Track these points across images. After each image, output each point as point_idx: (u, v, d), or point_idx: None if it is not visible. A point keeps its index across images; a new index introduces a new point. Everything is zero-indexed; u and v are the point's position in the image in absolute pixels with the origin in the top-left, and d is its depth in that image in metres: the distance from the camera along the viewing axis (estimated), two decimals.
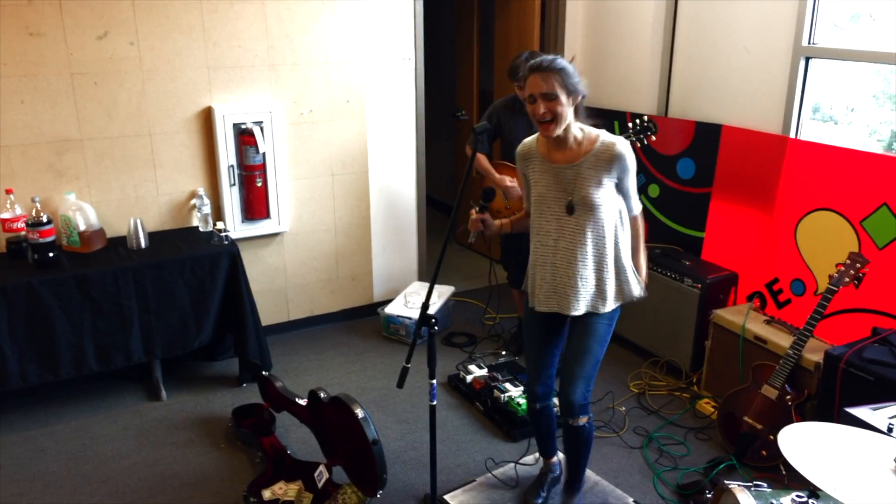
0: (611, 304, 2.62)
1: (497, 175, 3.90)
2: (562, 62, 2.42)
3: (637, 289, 2.67)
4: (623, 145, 2.49)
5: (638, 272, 2.68)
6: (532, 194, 2.63)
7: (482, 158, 3.95)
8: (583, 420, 2.67)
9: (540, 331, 2.76)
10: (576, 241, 2.54)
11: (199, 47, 3.83)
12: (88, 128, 3.69)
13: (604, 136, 2.51)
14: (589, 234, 2.53)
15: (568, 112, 2.43)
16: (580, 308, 2.59)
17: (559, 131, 2.44)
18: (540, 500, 2.96)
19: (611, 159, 2.47)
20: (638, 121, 3.72)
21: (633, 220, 2.66)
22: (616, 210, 2.55)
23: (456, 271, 5.54)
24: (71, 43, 3.55)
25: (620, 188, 2.54)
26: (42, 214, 3.44)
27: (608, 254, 2.57)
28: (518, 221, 2.79)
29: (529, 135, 2.71)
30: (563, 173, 2.52)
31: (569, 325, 2.75)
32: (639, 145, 3.71)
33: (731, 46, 3.94)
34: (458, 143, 6.23)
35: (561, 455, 3.10)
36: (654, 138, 3.71)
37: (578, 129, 2.51)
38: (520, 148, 2.66)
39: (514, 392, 3.64)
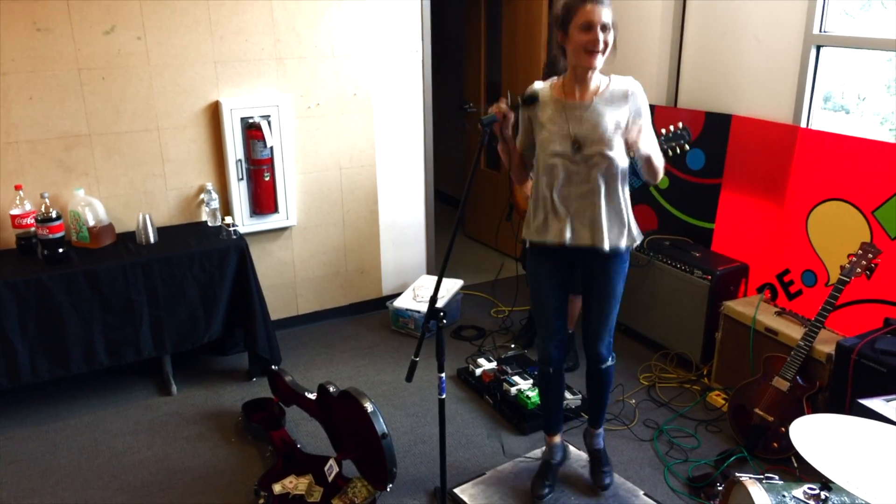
0: (625, 240, 2.64)
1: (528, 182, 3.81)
2: None
3: (639, 233, 2.70)
4: (635, 84, 2.55)
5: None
6: (541, 135, 2.59)
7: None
8: (610, 362, 2.86)
9: (552, 289, 2.76)
10: (592, 180, 2.55)
11: (206, 41, 3.82)
12: (96, 123, 3.70)
13: (616, 77, 2.57)
14: (604, 174, 2.55)
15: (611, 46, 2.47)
16: (606, 240, 2.58)
17: (601, 64, 2.47)
18: (546, 491, 2.95)
19: (624, 98, 2.54)
20: (672, 127, 3.53)
21: (648, 158, 2.56)
22: (624, 155, 2.56)
23: (464, 265, 5.53)
24: (78, 38, 3.55)
25: (636, 126, 2.51)
26: (51, 210, 3.44)
27: (620, 191, 2.59)
28: (516, 158, 2.73)
29: None
30: (580, 111, 2.53)
31: (580, 277, 2.77)
32: (669, 154, 3.55)
33: (740, 35, 3.91)
34: (466, 135, 6.21)
35: (559, 438, 3.11)
36: (687, 147, 3.52)
37: (597, 73, 2.54)
38: (533, 85, 2.63)
39: (524, 385, 3.63)
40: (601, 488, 2.97)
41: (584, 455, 3.20)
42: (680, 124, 3.51)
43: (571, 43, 2.45)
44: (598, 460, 3.05)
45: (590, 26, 2.40)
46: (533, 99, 2.57)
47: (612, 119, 2.53)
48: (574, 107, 2.54)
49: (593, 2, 2.40)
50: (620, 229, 2.63)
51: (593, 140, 2.52)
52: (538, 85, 2.65)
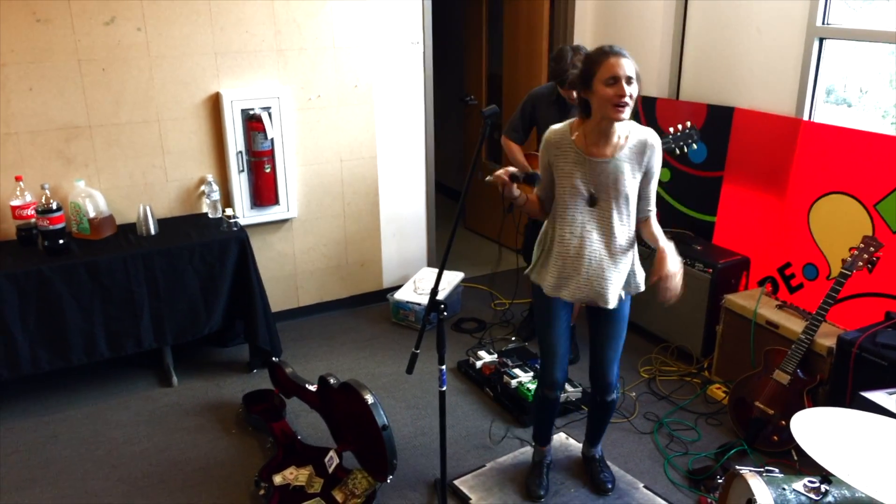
0: (631, 289, 2.69)
1: (529, 169, 3.81)
2: None
3: (643, 283, 2.71)
4: (654, 137, 2.53)
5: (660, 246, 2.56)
6: (562, 185, 2.56)
7: (515, 149, 3.87)
8: (615, 394, 2.89)
9: (559, 318, 2.75)
10: (609, 233, 2.55)
11: (207, 33, 3.81)
12: (97, 114, 3.69)
13: (634, 127, 2.53)
14: (621, 226, 2.56)
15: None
16: (613, 300, 2.60)
17: (628, 116, 2.44)
18: (542, 492, 2.96)
19: (643, 150, 2.52)
20: (680, 126, 3.53)
21: (647, 220, 2.63)
22: (636, 208, 2.60)
23: (465, 257, 5.53)
24: (78, 29, 3.54)
25: (645, 182, 2.56)
26: (52, 201, 3.44)
27: (631, 247, 2.62)
28: (530, 203, 2.73)
29: None
30: (602, 166, 2.50)
31: (590, 309, 2.76)
32: (677, 153, 3.55)
33: (742, 28, 3.89)
34: (467, 128, 6.20)
35: (560, 435, 3.15)
36: (695, 147, 3.54)
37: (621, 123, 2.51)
38: (550, 134, 2.58)
39: (524, 378, 3.63)
40: (602, 492, 2.96)
41: (574, 451, 3.20)
42: (688, 123, 3.49)
43: (597, 97, 2.41)
44: (595, 464, 3.05)
45: (615, 80, 2.37)
46: (534, 179, 2.55)
47: (631, 173, 2.52)
48: (596, 163, 2.51)
49: (616, 55, 2.38)
50: (627, 282, 2.65)
51: (610, 195, 2.52)
52: (556, 127, 2.60)
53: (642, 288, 2.70)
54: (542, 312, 2.78)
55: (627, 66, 2.37)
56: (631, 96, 2.38)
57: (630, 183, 2.52)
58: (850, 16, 3.47)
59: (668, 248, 2.46)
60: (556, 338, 2.77)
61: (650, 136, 2.53)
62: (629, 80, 2.37)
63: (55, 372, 3.53)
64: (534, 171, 2.60)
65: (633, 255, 2.65)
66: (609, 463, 3.10)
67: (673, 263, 2.42)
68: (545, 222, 2.72)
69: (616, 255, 2.57)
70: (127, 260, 3.45)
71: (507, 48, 5.43)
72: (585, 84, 2.44)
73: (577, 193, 2.54)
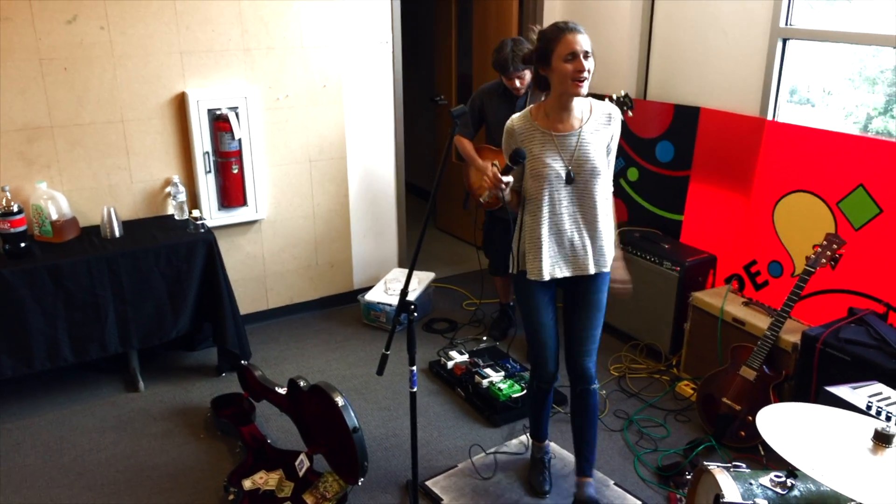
0: (608, 263, 2.71)
1: (480, 161, 3.86)
2: None
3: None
4: (616, 110, 2.63)
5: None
6: (534, 167, 2.56)
7: (466, 143, 3.91)
8: (596, 384, 2.81)
9: (546, 311, 2.76)
10: (583, 206, 2.60)
11: (172, 31, 3.76)
12: (59, 115, 3.62)
13: (594, 103, 2.62)
14: (593, 198, 2.59)
15: None
16: (592, 266, 2.65)
17: (586, 90, 2.48)
18: (548, 487, 2.97)
19: (607, 122, 2.60)
20: (615, 95, 3.61)
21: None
22: (608, 177, 2.65)
23: (436, 257, 5.53)
24: (39, 28, 3.47)
25: (609, 146, 2.63)
26: (13, 204, 3.36)
27: (607, 215, 2.66)
28: (513, 198, 2.71)
29: (510, 117, 2.68)
30: (570, 139, 2.55)
31: (568, 295, 2.79)
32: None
33: (708, 29, 3.94)
34: (438, 128, 6.20)
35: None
36: (630, 114, 3.62)
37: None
38: (511, 123, 2.60)
39: (496, 377, 3.64)
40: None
41: (561, 452, 3.21)
42: (623, 91, 3.56)
43: (556, 73, 2.45)
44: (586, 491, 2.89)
45: (574, 56, 2.41)
46: (520, 156, 2.53)
47: (600, 146, 2.58)
48: (563, 137, 2.55)
49: (573, 31, 2.43)
50: (605, 253, 2.68)
51: (585, 169, 2.55)
52: (516, 116, 2.61)
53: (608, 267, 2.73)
54: (529, 308, 2.77)
55: (584, 42, 2.43)
56: (589, 70, 2.44)
57: (598, 153, 2.57)
58: (813, 17, 3.53)
59: (615, 267, 2.73)
60: (545, 330, 2.77)
61: (612, 108, 2.63)
62: (586, 55, 2.44)
63: (17, 378, 3.46)
64: (518, 148, 2.54)
65: (611, 227, 2.68)
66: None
67: (622, 277, 2.77)
68: (519, 220, 2.71)
69: (592, 225, 2.62)
70: (91, 263, 3.38)
71: (476, 48, 5.44)
72: (544, 61, 2.48)
73: (550, 171, 2.54)
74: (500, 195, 2.50)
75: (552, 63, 2.45)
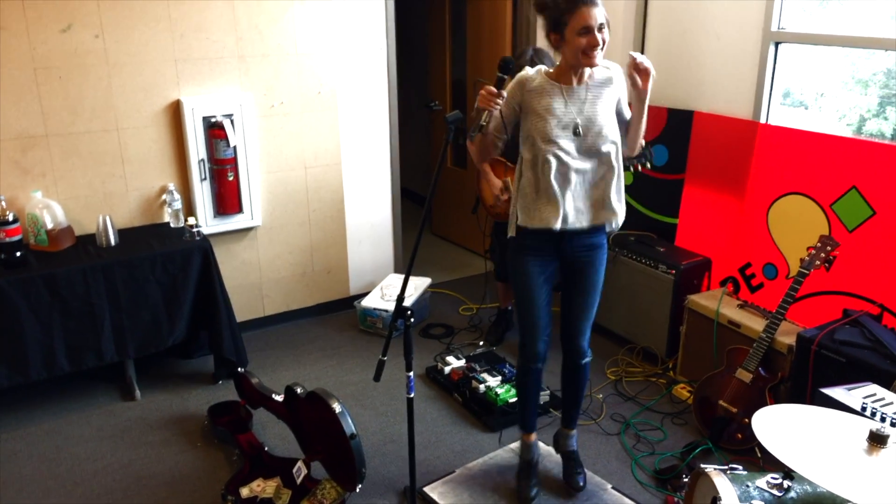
0: (616, 222, 2.71)
1: (494, 178, 3.76)
2: None
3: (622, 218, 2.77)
4: (615, 65, 2.67)
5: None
6: (542, 118, 2.56)
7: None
8: (588, 357, 2.90)
9: (540, 291, 2.76)
10: (591, 161, 2.60)
11: (166, 39, 3.76)
12: (54, 123, 3.62)
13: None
14: (601, 154, 2.60)
15: None
16: (596, 216, 2.66)
17: (601, 60, 2.52)
18: (534, 493, 2.97)
19: (610, 80, 2.63)
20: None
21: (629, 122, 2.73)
22: (617, 135, 2.65)
23: (433, 263, 5.53)
24: (34, 37, 3.47)
25: (619, 106, 2.67)
26: (8, 213, 3.36)
27: (616, 171, 2.65)
28: (493, 132, 2.68)
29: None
30: (580, 92, 2.57)
31: (564, 274, 2.80)
32: (631, 170, 3.58)
33: (701, 33, 3.96)
34: (433, 133, 6.21)
35: (535, 436, 3.13)
36: (649, 166, 3.59)
37: None
38: (523, 75, 2.62)
39: (493, 382, 3.64)
40: (575, 490, 2.98)
41: (554, 452, 3.21)
42: (643, 143, 3.51)
43: (569, 45, 2.46)
44: (572, 462, 3.07)
45: (587, 30, 2.42)
46: (509, 63, 2.51)
47: (608, 100, 2.61)
48: (573, 91, 2.57)
49: (587, 4, 2.41)
50: (614, 210, 2.68)
51: (595, 123, 2.57)
52: (528, 70, 2.64)
53: (622, 221, 2.74)
54: (523, 286, 2.77)
55: (599, 14, 2.44)
56: (604, 41, 2.46)
57: (607, 111, 2.59)
58: (805, 20, 3.55)
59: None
60: (537, 310, 2.78)
61: (614, 68, 2.66)
62: (601, 28, 2.44)
63: (14, 388, 3.45)
64: (504, 57, 2.55)
65: (621, 185, 2.68)
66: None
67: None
68: (518, 173, 2.70)
69: (602, 178, 2.63)
70: (86, 272, 3.38)
71: (470, 54, 5.46)
72: (557, 30, 2.48)
73: (559, 123, 2.55)
74: (493, 111, 2.51)
75: (565, 35, 2.46)
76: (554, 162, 2.57)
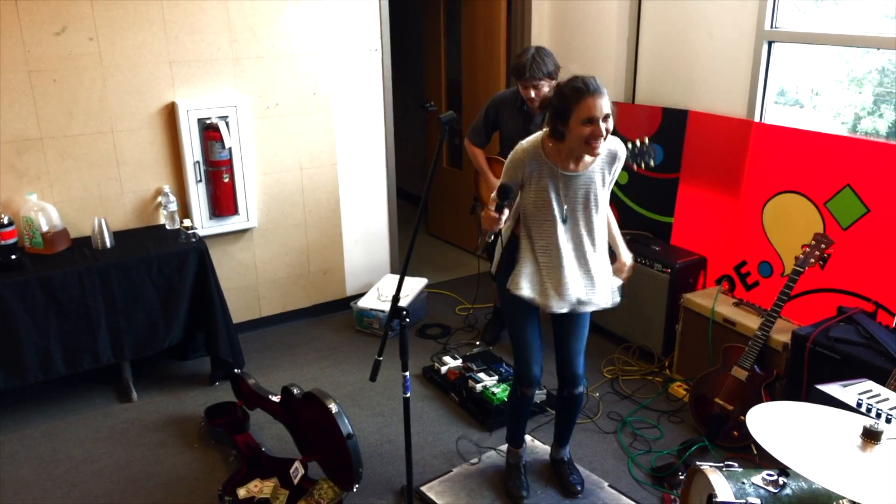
0: (602, 299, 2.73)
1: (492, 178, 3.78)
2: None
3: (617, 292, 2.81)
4: (623, 149, 2.64)
5: (618, 247, 2.83)
6: (538, 197, 2.59)
7: (478, 153, 3.88)
8: (582, 387, 2.92)
9: (531, 317, 2.79)
10: (581, 241, 2.63)
11: (161, 42, 3.76)
12: (49, 126, 3.62)
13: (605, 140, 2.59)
14: (595, 234, 2.64)
15: None
16: (607, 300, 2.70)
17: (603, 150, 2.52)
18: (525, 493, 2.98)
19: (612, 161, 2.63)
20: (638, 142, 3.52)
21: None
22: (605, 215, 2.71)
23: (429, 263, 5.53)
24: (28, 40, 3.47)
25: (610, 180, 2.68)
26: (3, 216, 3.36)
27: (604, 253, 2.70)
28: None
29: (524, 133, 2.69)
30: (575, 180, 2.57)
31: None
32: (634, 168, 3.56)
33: (695, 32, 3.97)
34: (428, 134, 6.21)
35: (528, 438, 3.17)
36: (653, 164, 3.54)
37: None
38: (522, 152, 2.56)
39: (489, 382, 3.65)
40: (573, 494, 2.97)
41: (545, 454, 3.22)
42: (646, 140, 3.51)
43: (573, 133, 2.43)
44: (565, 466, 3.07)
45: (592, 121, 2.40)
46: (509, 192, 2.52)
47: (601, 182, 2.62)
48: (570, 177, 2.56)
49: (593, 95, 2.38)
50: (601, 286, 2.69)
51: (587, 207, 2.60)
52: (526, 144, 2.58)
53: (618, 299, 2.77)
54: (515, 313, 2.80)
55: (604, 105, 2.39)
56: (607, 130, 2.43)
57: (601, 192, 2.62)
58: (799, 19, 3.56)
59: (627, 258, 2.79)
60: (531, 336, 2.80)
61: (619, 148, 2.63)
62: (606, 118, 2.41)
63: (10, 390, 3.45)
64: (505, 184, 2.54)
65: (607, 261, 2.72)
66: (577, 466, 3.13)
67: (629, 267, 2.78)
68: (512, 232, 2.73)
69: (591, 263, 2.65)
70: (82, 274, 3.38)
71: (465, 54, 5.46)
72: (562, 119, 2.45)
73: (551, 208, 2.58)
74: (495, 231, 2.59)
75: (570, 123, 2.43)
76: (538, 236, 2.64)
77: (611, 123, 2.44)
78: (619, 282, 2.78)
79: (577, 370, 2.86)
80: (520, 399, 2.93)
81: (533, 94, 3.52)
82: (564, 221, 2.60)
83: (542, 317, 2.81)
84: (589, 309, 2.71)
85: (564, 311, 2.68)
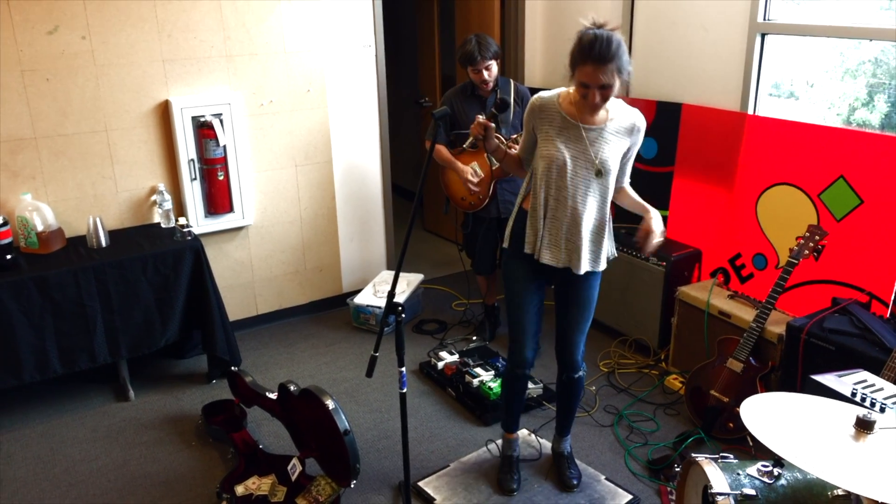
0: (603, 264, 2.71)
1: (460, 165, 3.84)
2: (619, 42, 2.37)
3: (614, 250, 2.78)
4: (642, 121, 2.60)
5: (645, 210, 2.68)
6: (545, 149, 2.56)
7: (442, 149, 3.90)
8: (582, 371, 2.92)
9: (531, 300, 2.78)
10: (588, 202, 2.58)
11: (154, 40, 3.75)
12: (42, 125, 3.61)
13: (624, 104, 2.59)
14: (599, 196, 2.59)
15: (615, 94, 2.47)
16: (585, 266, 2.64)
17: (599, 115, 2.51)
18: (516, 485, 2.99)
19: (631, 129, 2.58)
20: None
21: (622, 189, 2.74)
22: (615, 177, 2.64)
23: (425, 259, 5.54)
24: (20, 39, 3.46)
25: (626, 156, 2.64)
26: None
27: (607, 216, 2.65)
28: (508, 157, 2.77)
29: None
30: (588, 133, 2.53)
31: (559, 288, 2.80)
32: None
33: (688, 25, 3.97)
34: (423, 129, 6.21)
35: (522, 431, 3.17)
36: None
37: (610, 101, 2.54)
38: (536, 99, 2.59)
39: (486, 376, 3.66)
40: (568, 488, 2.99)
41: (547, 449, 3.23)
42: None
43: (576, 89, 2.45)
44: (564, 460, 3.08)
45: (587, 87, 2.40)
46: (505, 105, 2.56)
47: (619, 149, 2.58)
48: (582, 128, 2.53)
49: (594, 62, 2.34)
50: (599, 254, 2.67)
51: (592, 162, 2.54)
52: (543, 93, 2.60)
53: (615, 254, 2.75)
54: (514, 291, 2.79)
55: (605, 75, 2.35)
56: (604, 98, 2.42)
57: (613, 155, 2.55)
58: (793, 10, 3.57)
59: (654, 212, 2.61)
60: (527, 318, 2.79)
61: (639, 119, 2.59)
62: (603, 87, 2.39)
63: (7, 390, 3.45)
64: (502, 98, 2.63)
65: (608, 227, 2.67)
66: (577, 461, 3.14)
67: (658, 225, 2.58)
68: (520, 207, 2.73)
69: (590, 222, 2.61)
70: (78, 273, 3.38)
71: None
72: (571, 69, 2.45)
73: (561, 158, 2.54)
74: (481, 142, 2.61)
75: (574, 78, 2.43)
76: (550, 189, 2.59)
77: (611, 91, 2.40)
78: (611, 250, 2.73)
79: (576, 357, 2.86)
80: (511, 378, 2.95)
81: (486, 74, 3.71)
82: (573, 171, 2.54)
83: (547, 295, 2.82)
84: (579, 269, 2.63)
85: (554, 264, 2.64)
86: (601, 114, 2.54)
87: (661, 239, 2.60)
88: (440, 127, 3.83)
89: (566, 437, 3.12)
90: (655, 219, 2.59)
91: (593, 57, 2.34)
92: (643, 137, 2.63)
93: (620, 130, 2.56)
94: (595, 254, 2.67)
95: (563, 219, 2.60)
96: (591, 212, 2.59)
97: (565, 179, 2.55)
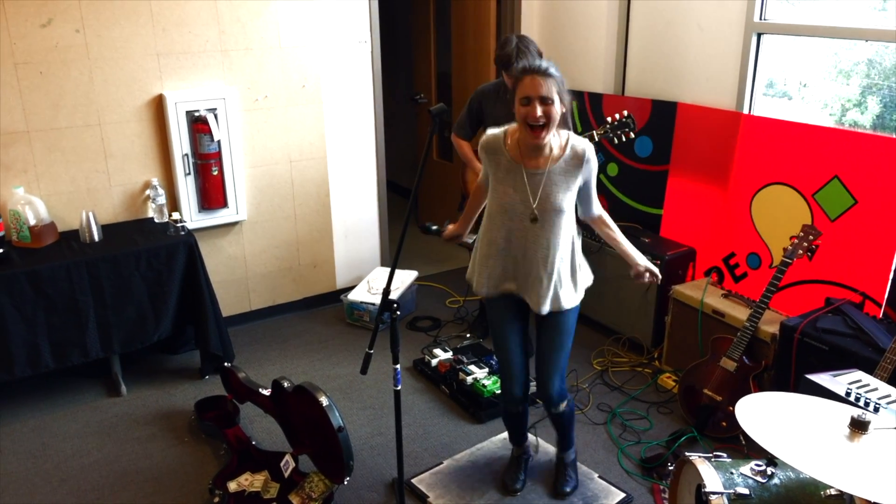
0: (572, 301, 2.65)
1: (478, 165, 3.78)
2: (556, 71, 2.38)
3: (590, 277, 2.75)
4: (591, 150, 2.51)
5: (628, 256, 2.72)
6: (494, 192, 2.56)
7: (464, 145, 3.87)
8: (563, 406, 2.80)
9: (512, 335, 2.74)
10: (538, 246, 2.54)
11: (148, 34, 3.73)
12: (35, 119, 3.59)
13: (572, 139, 2.51)
14: (551, 239, 2.53)
15: (558, 119, 2.40)
16: (546, 307, 2.59)
17: (548, 138, 2.41)
18: (519, 485, 2.98)
19: (579, 164, 2.49)
20: (618, 115, 3.55)
21: (598, 219, 2.70)
22: (574, 213, 2.59)
23: (419, 256, 5.53)
24: (13, 32, 3.43)
25: (584, 191, 2.57)
26: None
27: (566, 256, 2.59)
28: (466, 219, 2.89)
29: (509, 121, 2.68)
30: (533, 178, 2.48)
31: (536, 320, 2.75)
32: (615, 141, 3.58)
33: (684, 24, 3.97)
34: (418, 126, 6.20)
35: (532, 437, 3.17)
36: (632, 135, 3.55)
37: (554, 136, 2.47)
38: (486, 141, 2.55)
39: (480, 374, 3.66)
40: (559, 495, 2.94)
41: (551, 448, 3.22)
42: (625, 112, 3.55)
43: (518, 116, 2.40)
44: (563, 466, 3.01)
45: (528, 100, 2.34)
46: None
47: (569, 187, 2.50)
48: (529, 173, 2.48)
49: (532, 74, 2.33)
50: (560, 296, 2.60)
51: (546, 209, 2.49)
52: (491, 133, 2.56)
53: (589, 282, 2.74)
54: (497, 334, 2.79)
55: (545, 87, 2.32)
56: (547, 115, 2.34)
57: (564, 196, 2.50)
58: (788, 11, 3.57)
59: (639, 256, 2.70)
60: (511, 357, 2.75)
61: (586, 147, 2.50)
62: (544, 101, 2.33)
63: None
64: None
65: (575, 262, 2.63)
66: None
67: (646, 263, 2.69)
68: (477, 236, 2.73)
69: (549, 265, 2.55)
70: (70, 268, 3.36)
71: (455, 46, 5.45)
72: (513, 99, 2.42)
73: (508, 203, 2.52)
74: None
75: (515, 105, 2.40)
76: (501, 228, 2.58)
77: (555, 109, 2.35)
78: (585, 280, 2.72)
79: (551, 392, 2.74)
80: (506, 413, 2.95)
81: None
82: (523, 216, 2.51)
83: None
84: (540, 311, 2.60)
85: (515, 292, 2.65)
86: (545, 152, 2.47)
87: (657, 271, 2.71)
88: (461, 121, 3.81)
89: (567, 451, 3.03)
90: (642, 261, 2.71)
91: (531, 69, 2.35)
92: (595, 168, 2.55)
93: (568, 169, 2.48)
94: (558, 293, 2.59)
95: (517, 255, 2.59)
96: (543, 253, 2.54)
97: (515, 222, 2.54)
